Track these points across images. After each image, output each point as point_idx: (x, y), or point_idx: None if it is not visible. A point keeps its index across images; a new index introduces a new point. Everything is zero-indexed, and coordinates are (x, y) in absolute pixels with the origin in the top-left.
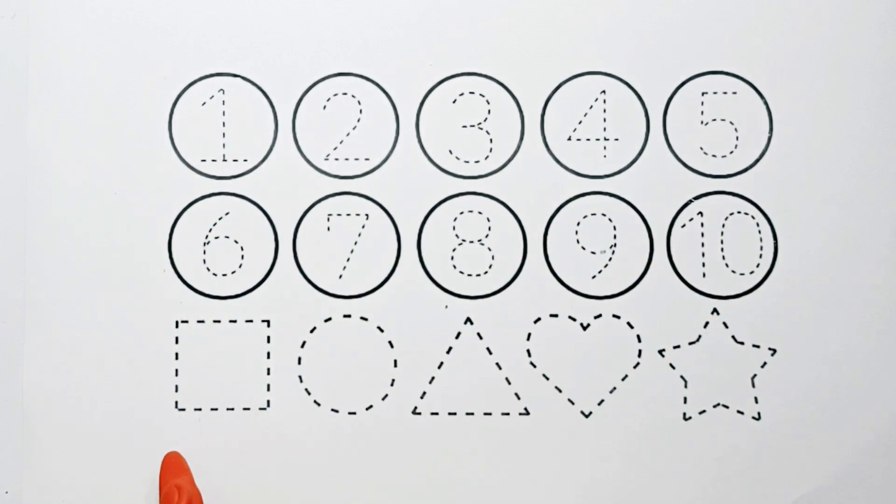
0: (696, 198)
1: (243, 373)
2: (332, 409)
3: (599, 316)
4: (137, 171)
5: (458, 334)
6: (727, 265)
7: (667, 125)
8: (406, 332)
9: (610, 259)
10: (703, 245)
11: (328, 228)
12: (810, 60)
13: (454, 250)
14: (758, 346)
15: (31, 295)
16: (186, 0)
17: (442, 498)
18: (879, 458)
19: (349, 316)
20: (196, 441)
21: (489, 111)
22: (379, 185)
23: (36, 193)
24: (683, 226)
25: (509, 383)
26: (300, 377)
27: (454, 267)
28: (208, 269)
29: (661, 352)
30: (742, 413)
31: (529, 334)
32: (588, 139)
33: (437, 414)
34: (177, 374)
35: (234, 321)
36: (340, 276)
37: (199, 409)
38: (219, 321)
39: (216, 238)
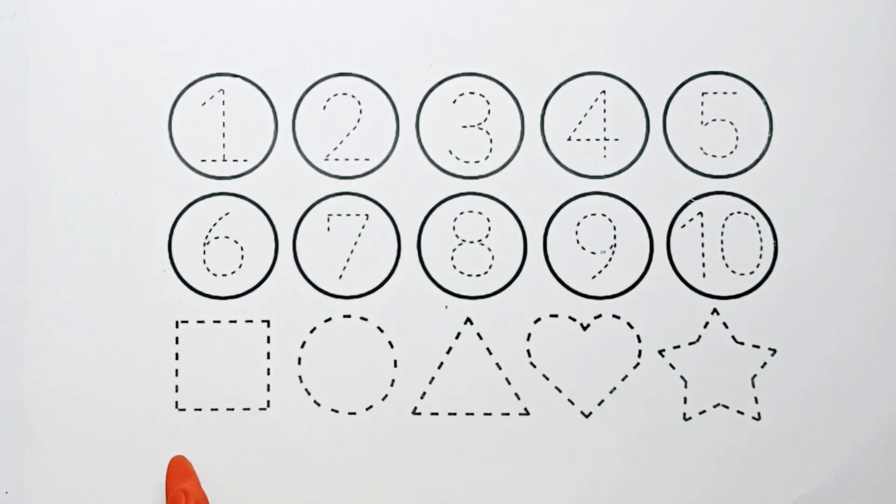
0: (696, 198)
1: (243, 373)
2: (332, 410)
3: (599, 316)
4: (137, 171)
5: (458, 334)
6: (727, 265)
7: (667, 125)
8: (406, 333)
9: (610, 259)
10: (703, 245)
11: (328, 228)
12: (810, 60)
13: (454, 250)
14: (758, 347)
15: (31, 295)
16: (186, 0)
17: (442, 498)
18: (879, 458)
19: (349, 316)
20: (196, 441)
21: (489, 111)
22: (379, 185)
23: (36, 193)
24: (683, 226)
25: (509, 383)
26: (300, 377)
27: (454, 267)
28: (208, 270)
29: (661, 352)
30: (742, 413)
31: (529, 334)
32: (588, 139)
33: (437, 414)
34: (177, 374)
35: (234, 321)
36: (340, 277)
37: (199, 409)
38: (219, 321)
39: (216, 238)
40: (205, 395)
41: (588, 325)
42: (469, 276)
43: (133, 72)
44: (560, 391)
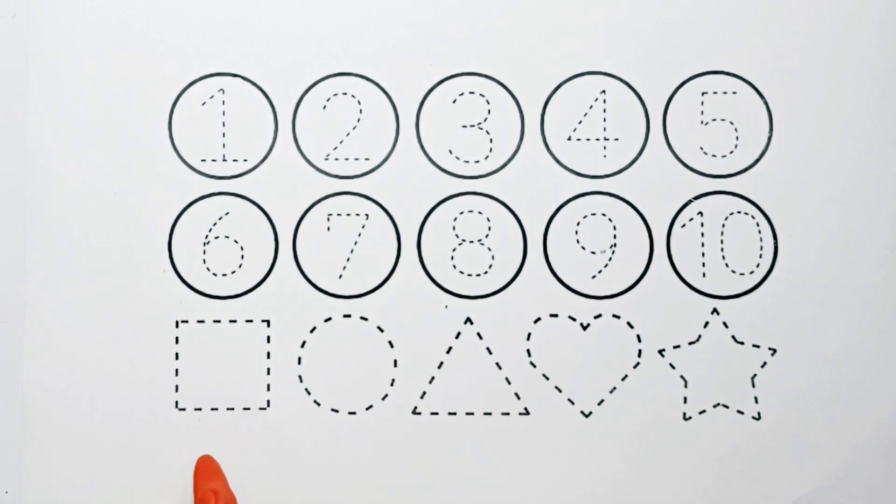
0: (696, 198)
1: (243, 373)
2: (332, 409)
3: (599, 316)
4: (137, 171)
5: (458, 334)
6: (727, 265)
7: (667, 125)
8: (406, 332)
9: (610, 259)
10: (703, 245)
11: (328, 228)
12: (810, 60)
13: (454, 250)
14: (758, 346)
15: (31, 295)
16: (186, 0)
17: (442, 498)
18: (879, 458)
19: (349, 316)
20: (196, 441)
21: (489, 111)
22: (379, 185)
23: (36, 193)
24: (683, 226)
25: (509, 383)
26: (300, 377)
27: (454, 267)
28: (208, 269)
29: (661, 352)
30: (742, 413)
31: (529, 334)
32: (588, 139)
33: (437, 414)
34: (177, 374)
35: (234, 321)
36: (340, 276)
37: (199, 409)
38: (219, 321)
39: (216, 238)
40: (205, 395)
41: (588, 325)
42: (469, 275)
43: (133, 72)
44: (560, 391)
